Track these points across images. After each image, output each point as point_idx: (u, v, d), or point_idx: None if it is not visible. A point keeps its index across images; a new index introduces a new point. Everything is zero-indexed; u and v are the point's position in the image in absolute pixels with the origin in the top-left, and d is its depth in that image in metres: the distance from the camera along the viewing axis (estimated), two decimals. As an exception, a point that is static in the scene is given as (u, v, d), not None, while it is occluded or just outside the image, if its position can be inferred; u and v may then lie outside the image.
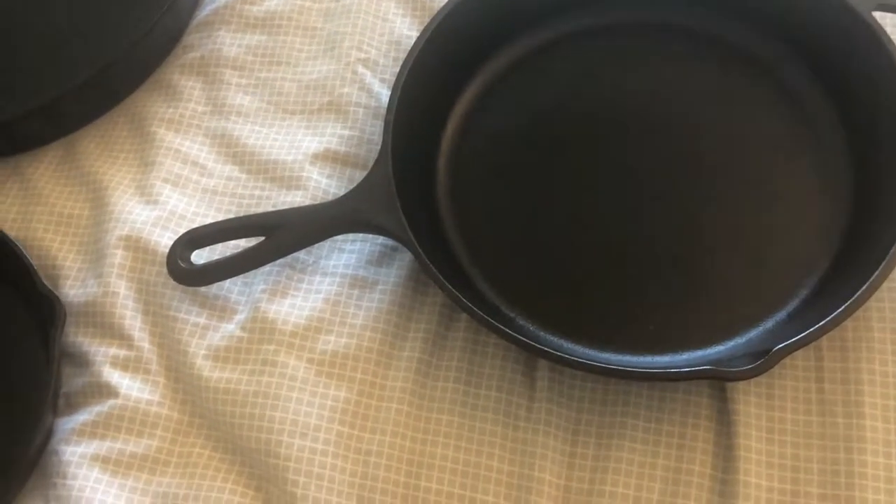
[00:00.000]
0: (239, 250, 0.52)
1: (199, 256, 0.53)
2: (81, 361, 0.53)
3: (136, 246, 0.55)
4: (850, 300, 0.44)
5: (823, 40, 0.53)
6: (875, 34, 0.50)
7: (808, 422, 0.46)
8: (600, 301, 0.51)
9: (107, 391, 0.51)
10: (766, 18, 0.55)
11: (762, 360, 0.43)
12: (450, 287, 0.47)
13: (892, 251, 0.45)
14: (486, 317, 0.46)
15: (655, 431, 0.47)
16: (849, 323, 0.47)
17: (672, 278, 0.51)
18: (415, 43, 0.55)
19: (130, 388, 0.51)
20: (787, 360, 0.46)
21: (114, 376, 0.52)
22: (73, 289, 0.55)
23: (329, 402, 0.49)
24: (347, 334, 0.51)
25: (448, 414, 0.49)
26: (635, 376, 0.47)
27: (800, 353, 0.47)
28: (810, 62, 0.54)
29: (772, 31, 0.55)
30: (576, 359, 0.46)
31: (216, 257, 0.53)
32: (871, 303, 0.47)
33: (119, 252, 0.54)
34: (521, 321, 0.51)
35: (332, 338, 0.51)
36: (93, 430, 0.51)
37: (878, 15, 0.51)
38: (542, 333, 0.51)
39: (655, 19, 0.58)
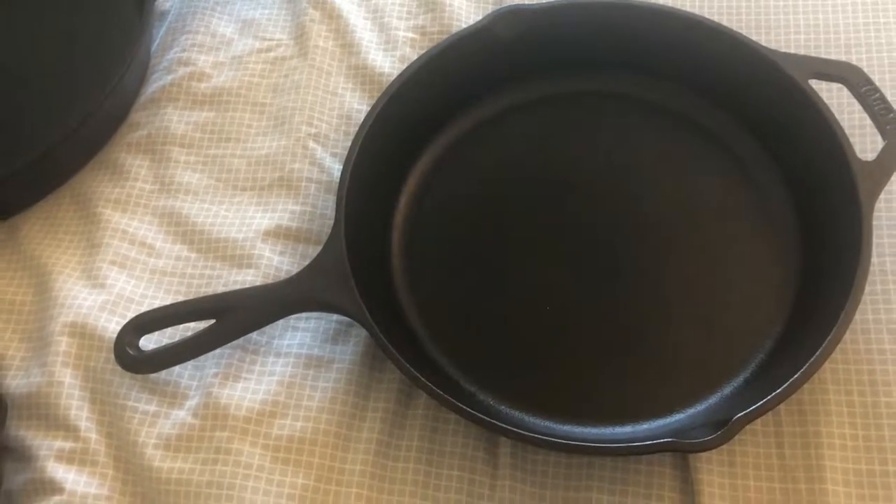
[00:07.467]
0: (189, 333, 0.51)
1: (149, 340, 0.52)
2: (24, 456, 0.51)
3: (81, 333, 0.53)
4: (805, 366, 0.44)
5: (764, 108, 0.54)
6: (812, 101, 0.51)
7: (770, 489, 0.46)
8: (560, 373, 0.51)
9: (51, 487, 0.49)
10: (707, 87, 0.56)
11: (722, 430, 0.43)
12: (407, 366, 0.46)
13: (843, 314, 0.46)
14: (444, 395, 0.46)
15: (620, 504, 0.47)
16: (805, 386, 0.47)
17: (630, 348, 0.51)
18: (365, 118, 0.55)
19: (77, 482, 0.49)
20: (746, 427, 0.46)
21: (58, 471, 0.49)
22: (16, 379, 0.53)
23: (286, 490, 0.48)
24: (304, 417, 0.50)
25: (409, 496, 0.48)
26: (596, 452, 0.47)
27: (759, 418, 0.47)
28: (753, 128, 0.55)
29: (714, 99, 0.56)
30: (536, 435, 0.45)
31: (166, 340, 0.52)
32: (826, 364, 0.47)
33: (64, 339, 0.52)
34: (481, 396, 0.50)
35: (288, 422, 0.50)
36: (36, 530, 0.48)
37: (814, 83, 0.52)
38: (502, 407, 0.50)
39: (600, 88, 0.59)
